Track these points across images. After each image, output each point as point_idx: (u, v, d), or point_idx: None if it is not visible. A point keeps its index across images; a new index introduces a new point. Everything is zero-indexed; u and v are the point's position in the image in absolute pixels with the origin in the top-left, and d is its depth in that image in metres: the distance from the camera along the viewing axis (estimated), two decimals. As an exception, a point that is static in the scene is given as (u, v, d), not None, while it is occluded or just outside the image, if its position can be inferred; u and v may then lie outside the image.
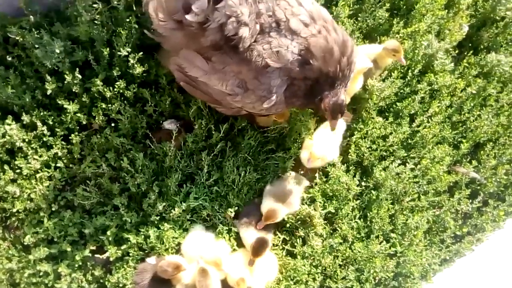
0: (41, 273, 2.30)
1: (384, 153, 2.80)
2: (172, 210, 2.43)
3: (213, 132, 2.54)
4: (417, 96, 2.83)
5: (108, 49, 2.43)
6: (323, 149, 2.54)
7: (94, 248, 2.37)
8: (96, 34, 2.43)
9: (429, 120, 2.86)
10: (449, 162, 2.85)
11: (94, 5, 2.38)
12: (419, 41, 2.91)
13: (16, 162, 2.35)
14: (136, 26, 2.49)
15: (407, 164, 2.73)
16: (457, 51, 3.09)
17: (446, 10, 3.02)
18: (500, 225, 2.81)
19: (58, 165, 2.44)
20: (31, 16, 2.42)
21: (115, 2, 2.40)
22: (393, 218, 2.70)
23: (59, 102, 2.41)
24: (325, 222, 2.67)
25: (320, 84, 2.12)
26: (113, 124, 2.53)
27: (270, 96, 2.12)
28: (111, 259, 2.34)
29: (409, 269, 2.58)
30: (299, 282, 2.51)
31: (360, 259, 2.58)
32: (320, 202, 2.63)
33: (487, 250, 2.75)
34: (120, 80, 2.49)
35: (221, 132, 2.53)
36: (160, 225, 2.42)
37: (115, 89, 2.49)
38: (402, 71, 2.88)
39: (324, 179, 2.72)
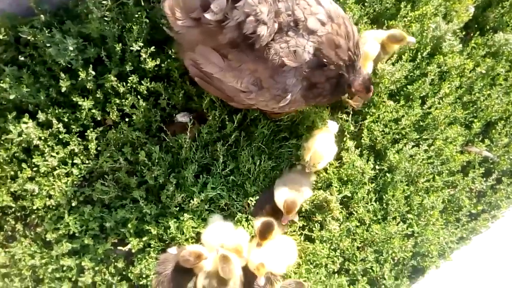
0: (64, 268, 2.33)
1: (397, 136, 2.82)
2: (191, 201, 2.45)
3: (227, 123, 2.56)
4: (427, 78, 2.84)
5: (120, 44, 2.45)
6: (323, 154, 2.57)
7: (115, 241, 2.40)
8: (107, 30, 2.46)
9: (440, 101, 2.86)
10: (461, 142, 2.86)
11: (104, 2, 2.40)
12: (426, 24, 2.93)
13: (34, 160, 2.37)
14: (147, 21, 2.51)
15: (420, 146, 2.74)
16: (464, 33, 3.09)
17: (452, -8, 3.03)
18: (515, 201, 2.83)
19: (75, 161, 2.46)
20: (41, 15, 2.44)
21: (125, -2, 2.42)
22: (408, 199, 2.71)
23: (74, 99, 2.44)
24: (341, 206, 2.68)
25: (344, 76, 2.21)
26: (127, 119, 2.55)
27: (285, 95, 2.14)
28: (133, 251, 2.36)
29: (427, 248, 2.60)
30: (319, 266, 2.52)
31: (378, 241, 2.59)
32: (336, 187, 2.64)
33: (503, 226, 2.76)
34: (133, 75, 2.52)
35: (235, 123, 2.55)
36: (179, 216, 2.44)
37: (128, 84, 2.52)
38: (411, 54, 2.88)
39: (338, 164, 2.73)
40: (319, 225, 2.60)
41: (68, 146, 2.45)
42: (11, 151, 2.37)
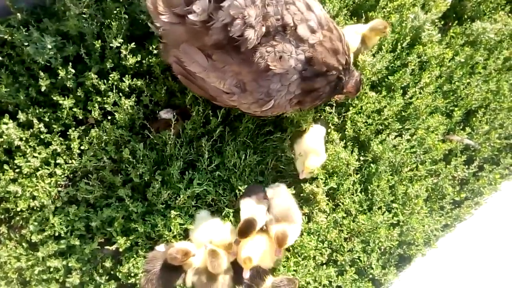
0: (51, 269, 2.30)
1: (380, 127, 2.84)
2: (177, 198, 2.44)
3: (211, 118, 2.56)
4: (407, 68, 2.87)
5: (99, 41, 2.42)
6: (316, 160, 2.58)
7: (102, 240, 2.38)
8: (86, 27, 2.42)
9: (421, 91, 2.90)
10: (443, 131, 2.90)
11: (81, -2, 2.37)
12: (405, 14, 2.96)
13: (16, 161, 2.34)
14: (126, 17, 2.49)
15: (403, 135, 2.77)
16: (442, 22, 3.14)
17: (429, -18, 3.07)
18: (497, 187, 2.87)
19: (58, 161, 2.43)
20: (18, 14, 2.40)
21: (103, -6, 2.39)
22: (393, 189, 2.75)
23: (54, 98, 2.41)
24: (328, 198, 2.70)
25: (342, 79, 2.28)
26: (109, 117, 2.52)
27: (268, 100, 2.15)
28: (120, 250, 2.34)
29: (413, 237, 2.63)
30: (307, 258, 2.54)
31: (364, 231, 2.62)
32: (322, 179, 2.66)
33: (486, 213, 2.81)
34: (114, 72, 2.50)
35: (219, 118, 2.54)
36: (166, 213, 2.43)
37: (109, 82, 2.50)
38: (392, 45, 2.91)
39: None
40: (306, 217, 2.62)
41: (50, 146, 2.41)
42: (-8, 153, 2.33)
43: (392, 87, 2.89)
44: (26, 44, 2.32)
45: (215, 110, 2.55)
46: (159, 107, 2.65)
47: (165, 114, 2.63)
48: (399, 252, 2.67)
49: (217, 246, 2.33)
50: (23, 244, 2.33)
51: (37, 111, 2.41)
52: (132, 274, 2.33)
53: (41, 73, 2.32)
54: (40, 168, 2.39)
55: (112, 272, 2.37)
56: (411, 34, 2.94)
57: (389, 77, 2.88)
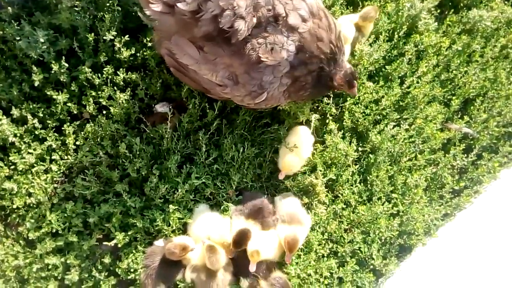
0: (49, 267, 2.27)
1: (378, 117, 2.83)
2: (175, 192, 2.42)
3: (208, 111, 2.52)
4: (404, 57, 2.85)
5: (92, 34, 2.39)
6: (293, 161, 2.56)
7: (100, 236, 2.35)
8: (78, 20, 2.39)
9: (419, 80, 2.88)
10: (441, 120, 2.89)
11: (73, -9, 2.33)
12: (402, 3, 2.93)
13: (10, 158, 2.30)
14: (119, 9, 2.45)
15: (401, 125, 2.76)
16: (438, 11, 3.11)
17: (425, -30, 3.04)
18: (496, 176, 2.87)
19: (53, 157, 2.40)
20: (8, 8, 2.35)
21: (95, -14, 2.35)
22: (392, 179, 2.73)
23: (48, 93, 2.37)
24: (327, 190, 2.68)
25: (324, 69, 2.17)
26: (104, 112, 2.49)
27: (261, 92, 2.11)
28: (119, 245, 2.32)
29: (413, 226, 2.63)
30: (309, 251, 2.52)
31: (364, 222, 2.61)
32: (321, 170, 2.64)
33: (486, 201, 2.80)
34: (108, 66, 2.46)
35: (216, 110, 2.51)
36: (164, 208, 2.40)
37: (104, 76, 2.47)
38: (388, 34, 2.89)
39: (322, 147, 2.73)
40: (306, 209, 2.59)
41: (45, 142, 2.38)
42: (-14, 150, 2.29)
43: (390, 77, 2.87)
44: (18, 38, 2.28)
45: (211, 103, 2.52)
46: (154, 100, 2.62)
47: (161, 107, 2.60)
48: (400, 242, 2.66)
49: (216, 243, 2.31)
50: (20, 241, 2.30)
51: (31, 106, 2.37)
52: (132, 270, 2.30)
53: (34, 68, 2.28)
54: (35, 165, 2.36)
55: (111, 268, 2.35)
56: (407, 23, 2.92)
57: (386, 66, 2.86)
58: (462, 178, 2.89)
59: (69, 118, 2.46)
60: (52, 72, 2.35)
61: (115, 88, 2.47)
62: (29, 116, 2.32)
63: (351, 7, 2.95)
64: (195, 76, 2.17)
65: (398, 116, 2.83)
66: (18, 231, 2.31)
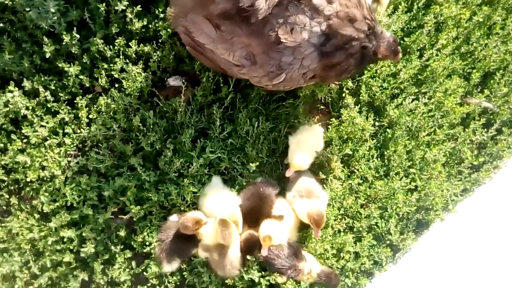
0: (64, 239, 2.26)
1: (396, 91, 2.76)
2: (190, 166, 2.38)
3: (222, 85, 2.47)
4: (423, 29, 2.76)
5: (103, 5, 2.32)
6: (303, 159, 2.46)
7: (115, 210, 2.32)
8: (89, -11, 2.31)
9: (438, 53, 2.80)
10: (461, 93, 2.81)
11: (84, -41, 2.26)
12: (421, -27, 2.83)
13: (23, 131, 2.27)
14: (131, -23, 2.37)
15: (420, 99, 2.69)
16: (459, -19, 3.00)
17: None
18: (517, 150, 2.82)
19: (66, 131, 2.37)
20: (18, -23, 2.28)
21: (105, -47, 2.28)
22: (410, 154, 2.68)
23: (59, 65, 2.33)
24: (342, 165, 2.63)
25: (367, 46, 2.06)
26: (117, 85, 2.44)
27: (280, 73, 2.02)
28: (134, 219, 2.30)
29: (431, 202, 2.58)
30: (326, 226, 2.49)
31: (381, 197, 2.56)
32: (336, 145, 2.59)
33: (506, 176, 2.74)
34: (120, 38, 2.41)
35: (231, 85, 2.45)
36: (179, 182, 2.37)
37: (115, 48, 2.41)
38: (407, 5, 2.80)
39: (337, 122, 2.67)
40: (321, 184, 2.55)
41: (57, 115, 2.35)
42: (-2, 123, 2.26)
43: (408, 49, 2.79)
44: (28, 9, 2.22)
45: (226, 77, 2.46)
46: (167, 74, 2.56)
47: (173, 81, 2.55)
48: (417, 218, 2.62)
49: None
50: (35, 215, 2.28)
51: (43, 79, 2.33)
52: (147, 243, 2.29)
53: (45, 39, 2.23)
54: (48, 138, 2.33)
55: (126, 242, 2.33)
56: (427, -6, 2.82)
57: (405, 38, 2.77)
58: (481, 153, 2.82)
59: (81, 91, 2.42)
60: (63, 43, 2.30)
61: (127, 60, 2.43)
62: (41, 89, 2.28)
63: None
64: (212, 55, 2.10)
65: (417, 90, 2.76)
66: (33, 204, 2.29)
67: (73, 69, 2.32)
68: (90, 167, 2.33)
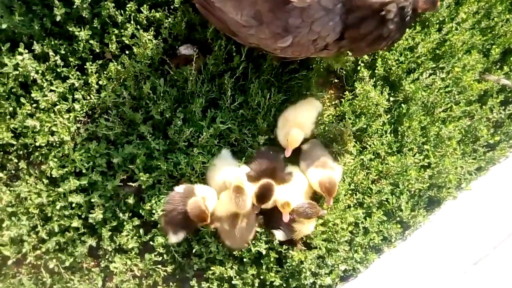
0: (73, 205, 2.24)
1: (412, 65, 2.68)
2: (200, 136, 2.34)
3: (234, 55, 2.41)
4: (443, 2, 2.67)
5: (114, -33, 2.26)
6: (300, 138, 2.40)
7: (124, 177, 2.30)
8: (100, -50, 2.25)
9: (458, 27, 2.71)
10: (479, 70, 2.73)
11: None
12: None
13: (32, 95, 2.24)
14: None
15: (437, 74, 2.61)
16: (479, -46, 2.88)
17: None
18: (534, 130, 2.74)
19: (76, 96, 2.34)
20: None
21: None
22: (425, 130, 2.62)
23: (69, 29, 2.28)
24: (355, 140, 2.59)
25: (405, 7, 1.91)
26: (127, 52, 2.40)
27: (285, 35, 1.92)
28: (142, 187, 2.28)
29: (444, 179, 2.53)
30: (336, 201, 2.45)
31: (393, 173, 2.52)
32: (350, 119, 2.54)
33: (522, 155, 2.68)
34: (131, 3, 2.36)
35: (243, 55, 2.39)
36: (188, 151, 2.34)
37: (126, 13, 2.36)
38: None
39: (351, 96, 2.61)
40: (333, 157, 2.51)
41: (67, 81, 2.31)
42: (8, 86, 2.23)
43: (427, 22, 2.70)
44: (38, -30, 2.18)
45: (238, 46, 2.40)
46: (178, 42, 2.51)
47: (185, 49, 2.50)
48: (429, 195, 2.57)
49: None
50: (43, 180, 2.27)
51: (53, 42, 2.29)
52: (155, 212, 2.27)
53: (56, 1, 2.18)
54: (58, 103, 2.30)
55: (135, 210, 2.31)
56: (448, -36, 2.71)
57: (424, 11, 2.68)
58: (497, 132, 2.75)
59: (91, 57, 2.38)
60: (74, 7, 2.25)
61: (138, 27, 2.38)
62: (51, 53, 2.25)
63: None
64: (221, 15, 2.04)
65: (434, 65, 2.68)
66: (41, 169, 2.28)
67: (83, 33, 2.28)
68: (99, 134, 2.31)
